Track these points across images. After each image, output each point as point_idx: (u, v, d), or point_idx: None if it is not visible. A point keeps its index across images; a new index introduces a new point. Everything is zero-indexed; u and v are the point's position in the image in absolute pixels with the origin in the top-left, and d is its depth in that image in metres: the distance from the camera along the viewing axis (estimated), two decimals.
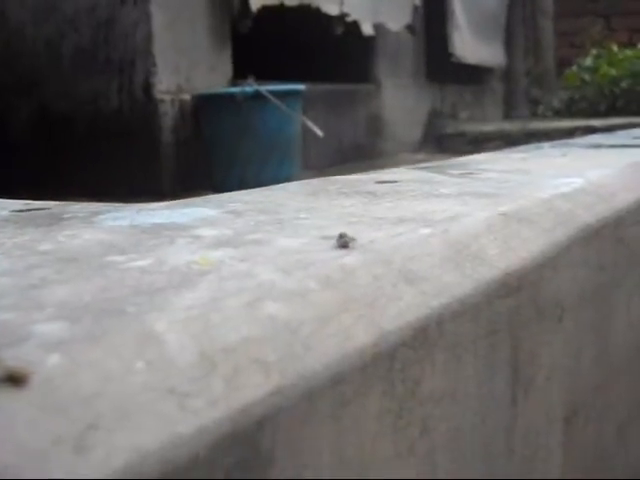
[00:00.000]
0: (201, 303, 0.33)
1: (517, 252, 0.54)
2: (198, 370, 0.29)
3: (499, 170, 0.92)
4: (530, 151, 1.25)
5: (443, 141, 4.47)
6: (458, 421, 0.45)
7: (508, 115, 5.34)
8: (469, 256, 0.49)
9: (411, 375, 0.40)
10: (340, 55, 4.47)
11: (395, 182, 0.79)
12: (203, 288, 0.36)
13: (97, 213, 0.64)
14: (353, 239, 0.45)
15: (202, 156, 3.41)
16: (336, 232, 0.48)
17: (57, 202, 0.77)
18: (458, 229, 0.52)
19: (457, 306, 0.45)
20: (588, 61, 5.22)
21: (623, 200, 0.80)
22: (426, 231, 0.50)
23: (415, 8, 4.46)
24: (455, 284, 0.46)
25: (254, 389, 0.30)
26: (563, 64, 5.48)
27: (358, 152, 4.31)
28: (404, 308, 0.41)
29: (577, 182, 0.78)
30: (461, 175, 0.86)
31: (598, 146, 1.30)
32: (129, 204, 0.73)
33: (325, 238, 0.47)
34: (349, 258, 0.43)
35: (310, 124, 3.44)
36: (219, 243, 0.47)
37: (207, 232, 0.51)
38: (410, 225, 0.51)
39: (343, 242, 0.45)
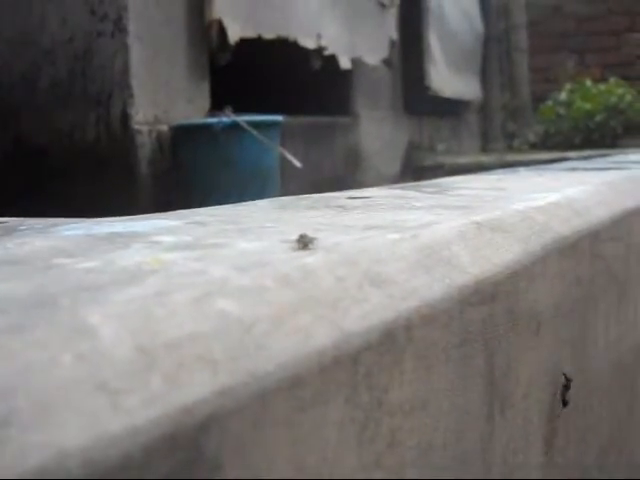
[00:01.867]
0: (143, 298, 0.30)
1: (491, 260, 0.52)
2: (134, 365, 0.26)
3: (474, 188, 0.90)
4: (506, 173, 1.24)
5: (421, 173, 4.49)
6: (430, 435, 0.42)
7: (485, 148, 5.40)
8: (440, 261, 0.47)
9: (377, 382, 0.37)
10: (318, 88, 4.50)
11: (367, 197, 0.77)
12: (149, 284, 0.33)
13: (55, 225, 0.61)
14: (314, 240, 0.43)
15: (180, 187, 3.38)
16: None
17: (16, 218, 0.73)
18: (429, 235, 0.50)
19: (427, 311, 0.42)
20: (563, 96, 5.31)
21: (599, 215, 0.78)
22: (395, 236, 0.48)
23: (392, 42, 4.52)
24: (425, 288, 0.43)
25: (198, 388, 0.27)
26: (538, 98, 5.57)
27: (337, 184, 4.32)
28: (369, 310, 0.38)
29: (552, 196, 0.76)
30: (435, 192, 0.84)
31: (574, 169, 1.30)
32: (92, 219, 0.70)
33: (287, 242, 0.44)
34: (310, 258, 0.40)
35: (288, 155, 3.44)
36: (176, 247, 0.44)
37: (165, 238, 0.48)
38: (379, 231, 0.49)
39: (304, 243, 0.43)
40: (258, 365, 0.30)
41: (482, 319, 0.49)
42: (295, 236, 0.46)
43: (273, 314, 0.33)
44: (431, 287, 0.44)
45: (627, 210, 0.92)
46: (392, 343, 0.39)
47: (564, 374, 0.67)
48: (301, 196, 0.85)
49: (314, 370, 0.33)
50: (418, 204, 0.68)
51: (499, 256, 0.54)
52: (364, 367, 0.36)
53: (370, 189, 0.93)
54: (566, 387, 0.67)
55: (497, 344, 0.52)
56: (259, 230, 0.51)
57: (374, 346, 0.37)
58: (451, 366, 0.45)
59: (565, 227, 0.69)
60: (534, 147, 5.22)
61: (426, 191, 0.85)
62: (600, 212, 0.80)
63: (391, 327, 0.39)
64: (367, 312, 0.38)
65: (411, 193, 0.82)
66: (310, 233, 0.47)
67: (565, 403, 0.67)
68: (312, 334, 0.34)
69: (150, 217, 0.68)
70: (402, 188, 0.91)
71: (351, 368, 0.35)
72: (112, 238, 0.50)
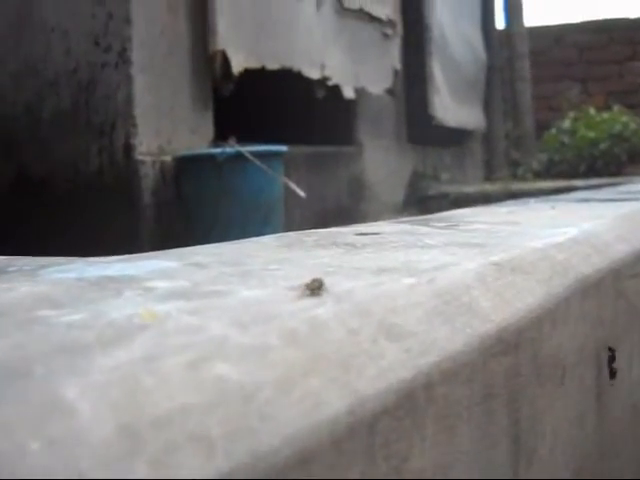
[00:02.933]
0: (131, 363, 0.27)
1: (513, 304, 0.48)
2: (116, 450, 0.22)
3: (486, 222, 0.86)
4: (517, 205, 1.20)
5: (426, 202, 4.47)
6: None
7: (488, 177, 5.38)
8: (460, 308, 0.43)
9: (396, 451, 0.33)
10: (323, 118, 4.51)
11: (376, 234, 0.74)
12: (138, 345, 0.29)
13: (45, 266, 0.58)
14: (321, 285, 0.39)
15: (183, 217, 3.36)
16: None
17: (5, 257, 0.70)
18: (446, 279, 0.46)
19: (448, 365, 0.38)
20: (566, 124, 5.30)
21: (619, 251, 0.74)
22: (410, 280, 0.44)
23: (395, 72, 4.54)
24: (445, 339, 0.39)
25: (190, 473, 0.23)
26: (541, 127, 5.57)
27: (341, 214, 4.29)
28: (385, 368, 0.34)
29: (570, 232, 0.72)
30: (447, 227, 0.81)
31: (586, 200, 1.26)
32: (85, 258, 0.66)
33: (294, 289, 0.41)
34: (320, 309, 0.36)
35: (292, 185, 3.42)
36: (172, 295, 0.40)
37: (161, 284, 0.44)
38: (392, 275, 0.45)
39: (312, 289, 0.39)
40: (262, 441, 0.26)
41: (505, 370, 0.45)
42: (302, 281, 0.42)
43: (279, 378, 0.29)
44: (452, 338, 0.40)
45: None
46: (411, 405, 0.35)
47: (608, 347, 0.64)
48: (307, 231, 0.81)
49: (326, 442, 0.29)
50: (430, 242, 0.65)
51: (521, 300, 0.50)
52: (381, 435, 0.32)
53: (378, 223, 0.90)
54: (612, 357, 0.64)
55: (521, 396, 0.47)
56: (263, 274, 0.48)
57: (392, 410, 0.33)
58: (474, 425, 0.41)
59: (586, 265, 0.65)
60: (538, 175, 5.20)
61: (437, 226, 0.81)
62: (620, 247, 0.76)
63: (410, 387, 0.35)
64: (383, 370, 0.34)
65: (422, 229, 0.78)
66: (318, 277, 0.43)
67: (613, 374, 0.64)
68: (323, 400, 0.30)
69: (147, 257, 0.64)
70: (411, 223, 0.88)
71: (367, 437, 0.31)
72: (103, 283, 0.46)
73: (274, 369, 0.30)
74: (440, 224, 0.83)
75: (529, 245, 0.62)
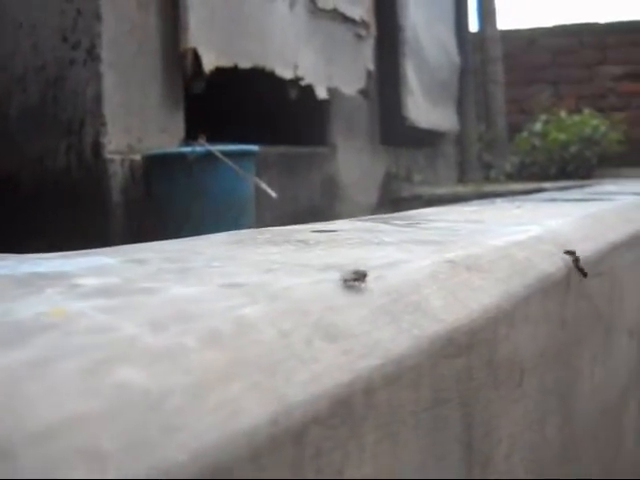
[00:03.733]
0: (17, 368, 0.23)
1: (466, 304, 0.46)
2: None
3: (449, 220, 0.84)
4: (483, 205, 1.18)
5: (399, 204, 4.46)
6: None
7: (461, 179, 5.39)
8: (408, 307, 0.40)
9: (329, 462, 0.30)
10: (295, 118, 4.48)
11: (333, 231, 0.71)
12: (33, 346, 0.26)
13: None
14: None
15: (153, 217, 3.31)
16: (247, 280, 0.39)
17: None
18: (395, 277, 0.43)
19: (391, 369, 0.35)
20: (538, 126, 5.34)
21: (583, 250, 0.72)
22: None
23: (369, 73, 4.52)
24: (389, 341, 0.37)
25: None
26: (514, 129, 5.60)
27: (314, 214, 4.27)
28: (319, 372, 0.31)
29: (533, 230, 0.70)
30: (407, 225, 0.78)
31: (553, 200, 1.25)
32: (26, 254, 0.63)
33: (230, 286, 0.38)
34: (250, 308, 0.33)
35: (263, 185, 3.38)
36: (96, 292, 0.37)
37: (90, 281, 0.41)
38: (338, 271, 0.42)
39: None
40: (165, 456, 0.23)
41: (457, 373, 0.43)
42: (241, 279, 0.39)
43: (192, 384, 0.26)
44: (397, 339, 0.37)
45: (611, 244, 0.86)
46: (348, 412, 0.32)
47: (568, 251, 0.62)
48: (263, 229, 0.78)
49: (243, 456, 0.26)
50: (387, 239, 0.62)
51: (476, 299, 0.47)
52: (311, 445, 0.29)
53: (339, 221, 0.87)
54: (576, 260, 0.62)
55: (475, 401, 0.45)
56: (203, 271, 0.44)
57: (324, 418, 0.30)
58: (421, 432, 0.38)
59: (548, 264, 0.63)
60: (510, 178, 5.23)
61: (397, 224, 0.78)
62: (584, 246, 0.74)
63: (347, 392, 0.32)
64: (316, 375, 0.31)
65: (381, 226, 0.76)
66: (258, 274, 0.40)
67: (584, 273, 0.62)
68: (243, 408, 0.27)
69: (90, 253, 0.60)
70: (373, 220, 0.85)
71: (294, 449, 0.28)
72: (31, 280, 0.43)
73: (188, 374, 0.27)
74: (401, 222, 0.81)
75: (489, 243, 0.60)
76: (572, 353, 0.68)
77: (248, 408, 0.27)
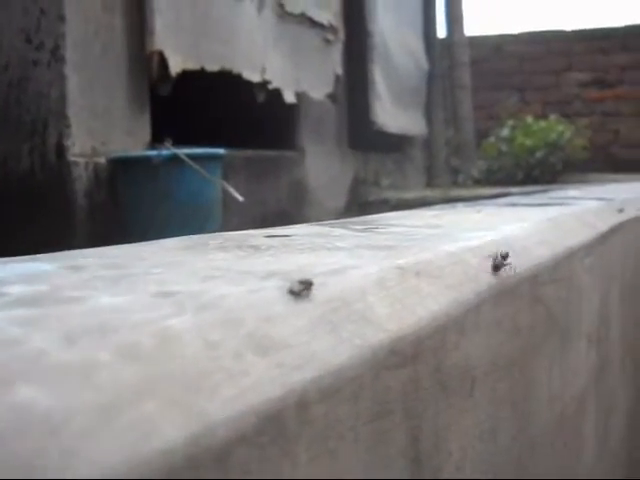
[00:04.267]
0: None
1: (414, 311, 0.44)
2: None
3: (407, 225, 0.83)
4: (444, 209, 1.18)
5: (366, 208, 4.47)
6: None
7: (429, 183, 5.42)
8: (350, 316, 0.39)
9: None
10: (264, 122, 4.46)
11: (287, 236, 0.69)
12: None
13: None
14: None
15: (118, 221, 3.27)
16: (181, 289, 0.37)
17: None
18: (339, 284, 0.42)
19: (329, 381, 0.34)
20: (505, 132, 5.39)
21: (539, 256, 0.72)
22: (298, 286, 0.40)
23: (337, 77, 4.53)
24: (327, 352, 0.35)
25: None
26: (481, 135, 5.65)
27: (281, 218, 4.25)
28: (248, 387, 0.30)
29: (489, 235, 0.69)
30: (364, 229, 0.77)
31: (513, 204, 1.25)
32: None
33: (161, 295, 0.36)
34: (176, 319, 0.32)
35: (230, 189, 3.35)
36: (17, 302, 0.35)
37: (17, 289, 0.39)
38: (280, 279, 0.41)
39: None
40: None
41: (402, 384, 0.41)
42: (176, 288, 0.38)
43: (102, 403, 0.24)
44: (336, 350, 0.36)
45: (570, 249, 0.86)
46: (279, 429, 0.30)
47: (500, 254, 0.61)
48: (216, 234, 0.76)
49: None
50: (340, 244, 0.61)
51: (424, 306, 0.46)
52: (237, 467, 0.28)
53: (295, 226, 0.86)
54: (504, 257, 0.61)
55: (423, 412, 0.44)
56: (139, 278, 0.42)
57: (252, 436, 0.29)
58: (362, 447, 0.37)
59: (502, 270, 0.62)
60: (478, 182, 5.27)
61: (354, 229, 0.77)
62: (540, 252, 0.74)
63: (278, 407, 0.30)
64: (244, 390, 0.29)
65: (337, 231, 0.74)
66: (196, 283, 0.38)
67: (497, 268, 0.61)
68: (158, 428, 0.25)
69: (27, 259, 0.58)
70: (330, 225, 0.84)
71: (215, 471, 0.27)
72: None
73: (98, 392, 0.25)
74: (358, 227, 0.80)
75: (442, 248, 0.58)
76: (527, 361, 0.67)
77: (164, 428, 0.25)
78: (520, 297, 0.64)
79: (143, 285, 0.39)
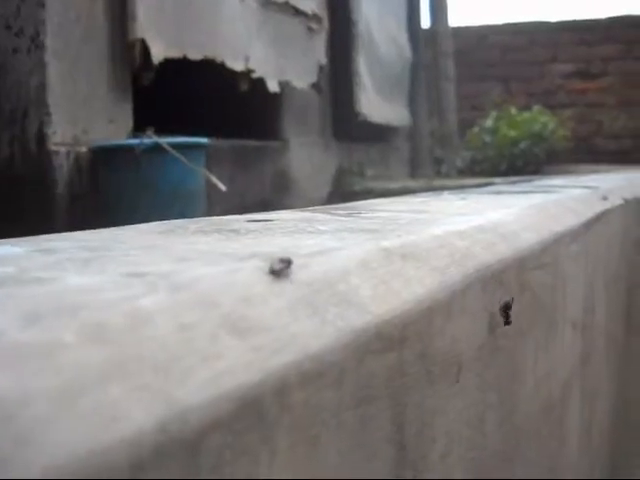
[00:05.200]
0: None
1: (399, 294, 0.43)
2: None
3: (392, 210, 0.81)
4: (429, 196, 1.16)
5: (351, 198, 4.46)
6: None
7: (413, 174, 5.42)
8: (333, 298, 0.37)
9: (233, 472, 0.27)
10: (247, 111, 4.43)
11: (269, 221, 0.67)
12: None
13: None
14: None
15: (99, 210, 3.23)
16: (155, 269, 0.35)
17: None
18: (322, 265, 0.40)
19: (310, 366, 0.32)
20: (489, 123, 5.39)
21: (525, 240, 0.71)
22: (279, 266, 0.38)
23: (321, 67, 4.50)
24: (309, 335, 0.33)
25: None
26: (465, 125, 5.65)
27: (264, 208, 4.22)
28: (223, 371, 0.28)
29: (475, 220, 0.68)
30: (348, 215, 0.75)
31: (499, 192, 1.24)
32: None
33: (133, 275, 0.34)
34: (148, 299, 0.30)
35: (213, 178, 3.32)
36: None
37: None
38: (260, 260, 0.39)
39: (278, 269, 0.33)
40: (16, 474, 0.19)
41: (387, 369, 0.40)
42: (149, 269, 0.36)
43: (63, 386, 0.23)
44: (318, 333, 0.34)
45: (555, 234, 0.85)
46: (257, 415, 0.29)
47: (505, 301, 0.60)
48: (197, 219, 0.74)
49: (122, 469, 0.22)
50: (323, 227, 0.59)
51: (410, 289, 0.44)
52: (210, 455, 0.26)
53: (279, 212, 0.84)
54: (507, 306, 0.60)
55: (407, 398, 0.42)
56: (112, 260, 0.40)
57: (227, 422, 0.27)
58: (345, 434, 0.35)
59: (489, 254, 0.61)
60: (462, 173, 5.28)
61: (338, 214, 0.75)
62: (527, 237, 0.73)
63: (256, 393, 0.29)
64: (219, 374, 0.28)
65: (320, 216, 0.73)
66: (170, 263, 0.36)
67: (508, 319, 0.60)
68: (123, 413, 0.23)
69: (2, 242, 0.56)
70: (313, 211, 0.82)
71: (188, 459, 0.25)
72: None
73: (59, 374, 0.23)
74: (342, 212, 0.78)
75: (428, 231, 0.57)
76: (513, 346, 0.66)
77: (130, 413, 0.24)
78: (507, 282, 0.63)
79: (115, 266, 0.37)
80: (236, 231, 0.59)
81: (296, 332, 0.33)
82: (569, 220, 0.97)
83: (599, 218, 1.16)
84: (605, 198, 1.29)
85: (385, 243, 0.48)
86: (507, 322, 0.58)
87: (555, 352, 0.86)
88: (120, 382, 0.24)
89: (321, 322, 0.35)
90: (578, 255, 0.99)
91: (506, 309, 0.58)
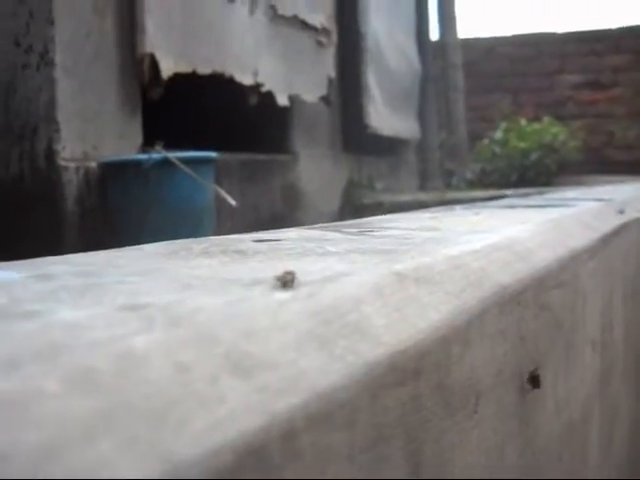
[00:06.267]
0: None
1: (414, 322, 0.40)
2: None
3: (403, 228, 0.79)
4: (440, 212, 1.14)
5: (361, 211, 4.44)
6: None
7: (423, 186, 5.39)
8: (343, 329, 0.35)
9: None
10: (257, 125, 4.42)
11: (276, 240, 0.65)
12: None
13: None
14: (294, 278, 0.31)
15: (109, 226, 3.22)
16: (154, 300, 0.33)
17: None
18: (331, 292, 0.38)
19: (319, 406, 0.30)
20: (498, 134, 5.37)
21: (543, 259, 0.68)
22: (284, 296, 0.35)
23: (330, 80, 4.50)
24: (317, 372, 0.31)
25: None
26: (475, 137, 5.62)
27: (275, 222, 4.22)
28: (224, 417, 0.25)
29: (490, 238, 0.65)
30: (358, 233, 0.73)
31: (512, 206, 1.21)
32: None
33: (129, 309, 0.32)
34: (144, 337, 0.27)
35: (223, 193, 3.31)
36: None
37: None
38: (264, 288, 0.37)
39: (285, 282, 0.31)
40: None
41: (402, 404, 0.37)
42: (149, 299, 0.33)
43: (45, 442, 0.20)
44: (327, 369, 0.32)
45: (573, 251, 0.82)
46: (261, 464, 0.26)
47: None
48: (202, 239, 0.72)
49: None
50: (332, 248, 0.56)
51: (425, 317, 0.42)
52: None
53: (286, 230, 0.81)
54: (534, 377, 0.57)
55: (424, 434, 0.39)
56: (109, 288, 0.38)
57: (226, 475, 0.24)
58: (358, 477, 0.33)
59: (506, 274, 0.58)
60: (472, 185, 5.25)
61: (348, 232, 0.73)
62: (544, 254, 0.70)
63: (260, 440, 0.26)
64: (219, 421, 0.25)
65: (330, 235, 0.70)
66: (173, 293, 0.34)
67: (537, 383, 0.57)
68: (112, 472, 0.21)
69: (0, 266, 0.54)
70: (322, 229, 0.80)
71: None
72: None
73: (40, 429, 0.21)
74: (352, 230, 0.76)
75: (441, 252, 0.54)
76: (533, 370, 0.63)
77: (119, 471, 0.21)
78: (525, 303, 0.60)
79: (111, 296, 0.35)
80: (241, 252, 0.56)
81: (303, 369, 0.31)
82: (586, 236, 0.94)
83: (616, 233, 1.13)
84: (621, 212, 1.26)
85: (398, 267, 0.46)
86: (536, 387, 0.56)
87: (575, 372, 0.83)
88: (108, 435, 0.22)
89: (330, 357, 0.33)
90: (596, 271, 0.97)
91: (533, 379, 0.56)
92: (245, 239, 0.67)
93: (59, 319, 0.30)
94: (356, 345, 0.34)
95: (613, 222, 1.17)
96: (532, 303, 0.63)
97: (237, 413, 0.26)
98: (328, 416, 0.30)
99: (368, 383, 0.34)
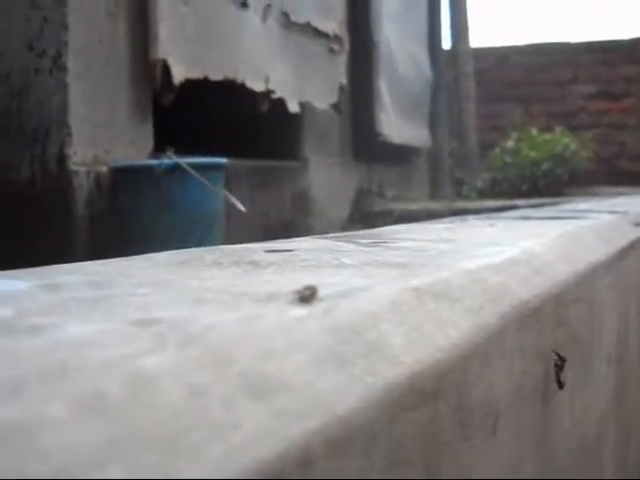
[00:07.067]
0: None
1: (433, 341, 0.39)
2: None
3: (417, 239, 0.77)
4: (455, 222, 1.12)
5: (371, 219, 4.42)
6: None
7: (433, 195, 5.37)
8: (362, 348, 0.34)
9: None
10: (267, 132, 4.43)
11: (289, 251, 0.64)
12: None
13: None
14: (314, 293, 0.30)
15: (119, 231, 3.23)
16: (166, 315, 0.31)
17: None
18: (348, 309, 0.36)
19: (337, 430, 0.28)
20: (510, 144, 5.35)
21: (561, 273, 0.66)
22: (300, 312, 0.34)
23: (341, 88, 4.49)
24: (335, 394, 0.30)
25: None
26: (485, 146, 5.60)
27: (285, 229, 4.21)
28: (239, 445, 0.24)
29: (508, 251, 0.64)
30: (372, 244, 0.71)
31: (526, 218, 1.19)
32: None
33: (141, 324, 0.30)
34: (155, 358, 0.26)
35: (233, 199, 3.31)
36: None
37: None
38: (279, 303, 0.35)
39: (305, 297, 0.30)
40: None
41: (420, 427, 0.36)
42: (161, 313, 0.32)
43: (51, 472, 0.19)
44: (345, 391, 0.30)
45: (590, 265, 0.81)
46: None
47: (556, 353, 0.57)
48: (213, 248, 0.71)
49: None
50: (347, 261, 0.55)
51: (444, 334, 0.40)
52: None
53: (299, 239, 0.80)
54: (561, 367, 0.56)
55: (442, 457, 0.38)
56: (120, 300, 0.37)
57: None
58: None
59: (524, 290, 0.57)
60: (482, 194, 5.22)
61: (361, 243, 0.72)
62: (562, 269, 0.68)
63: (277, 467, 0.25)
64: (234, 448, 0.24)
65: (344, 245, 0.69)
66: (186, 307, 0.33)
67: (561, 384, 0.57)
68: None
69: (5, 275, 0.53)
70: (335, 239, 0.78)
71: None
72: None
73: (45, 459, 0.19)
74: (366, 241, 0.74)
75: (459, 266, 0.53)
76: (550, 387, 0.61)
77: None
78: (544, 319, 0.59)
79: (122, 310, 0.34)
80: (254, 263, 0.55)
81: (322, 391, 0.29)
82: (603, 249, 0.93)
83: (633, 246, 1.11)
84: (638, 224, 1.24)
85: (416, 282, 0.45)
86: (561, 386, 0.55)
87: (591, 388, 0.82)
88: (118, 464, 0.21)
89: (348, 378, 0.31)
90: (612, 286, 0.95)
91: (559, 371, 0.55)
92: (257, 249, 0.66)
93: (67, 335, 0.29)
94: (375, 365, 0.33)
95: (629, 235, 1.15)
96: (551, 319, 0.61)
97: (253, 439, 0.25)
98: (347, 441, 0.29)
99: (387, 405, 0.32)
